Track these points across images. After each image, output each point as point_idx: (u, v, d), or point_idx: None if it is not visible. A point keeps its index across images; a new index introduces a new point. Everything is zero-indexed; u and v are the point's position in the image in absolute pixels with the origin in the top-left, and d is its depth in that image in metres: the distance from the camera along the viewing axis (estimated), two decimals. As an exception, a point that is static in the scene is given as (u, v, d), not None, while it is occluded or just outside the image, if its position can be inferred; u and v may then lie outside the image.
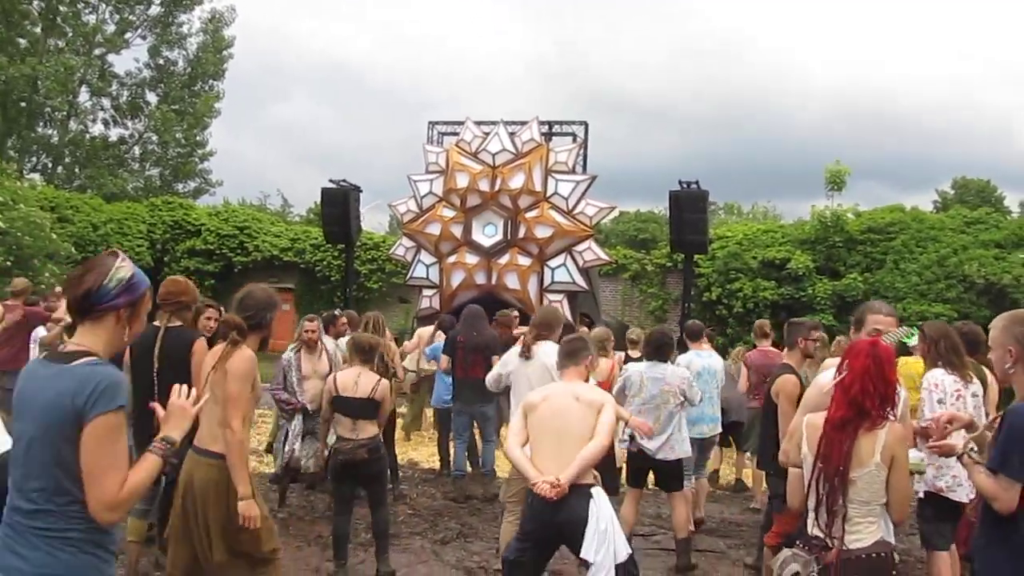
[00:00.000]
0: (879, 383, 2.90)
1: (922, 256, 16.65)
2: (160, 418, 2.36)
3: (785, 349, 5.28)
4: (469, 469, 7.58)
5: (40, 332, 7.99)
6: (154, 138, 28.84)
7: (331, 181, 16.44)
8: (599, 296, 15.91)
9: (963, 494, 4.37)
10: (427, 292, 14.40)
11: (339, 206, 16.06)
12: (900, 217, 17.98)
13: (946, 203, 30.29)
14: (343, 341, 6.94)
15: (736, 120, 74.57)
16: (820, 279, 17.09)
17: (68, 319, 8.22)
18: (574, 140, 14.88)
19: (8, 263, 13.94)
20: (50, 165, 28.09)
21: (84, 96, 28.48)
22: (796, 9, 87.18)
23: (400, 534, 6.15)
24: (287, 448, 6.24)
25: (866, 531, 2.89)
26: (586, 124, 15.23)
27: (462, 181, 13.75)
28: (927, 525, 4.54)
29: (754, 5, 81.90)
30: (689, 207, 14.11)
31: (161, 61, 28.85)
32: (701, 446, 6.76)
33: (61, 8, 26.98)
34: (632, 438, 5.71)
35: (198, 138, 29.29)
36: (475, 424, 7.51)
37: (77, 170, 28.14)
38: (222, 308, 5.29)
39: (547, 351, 5.17)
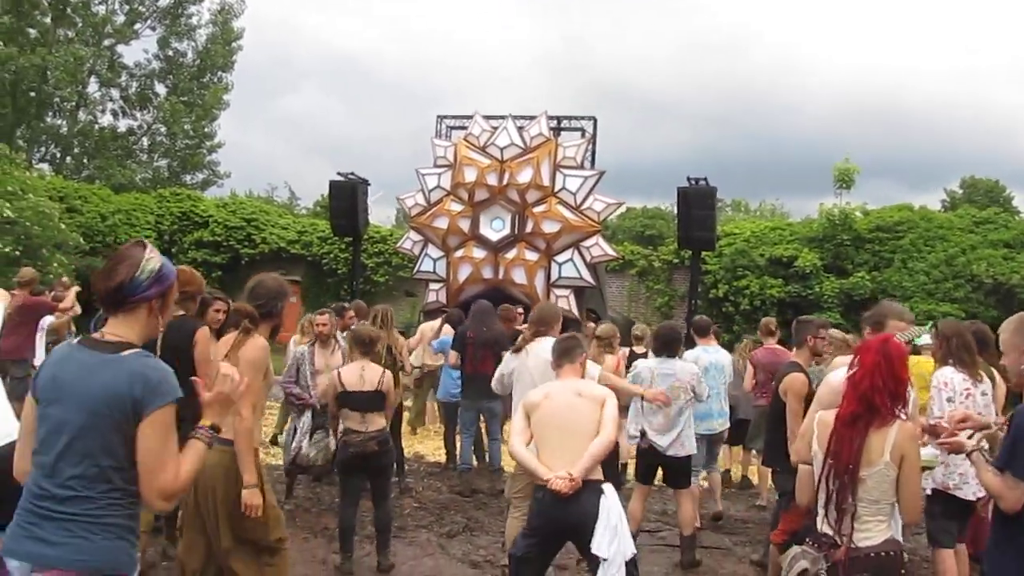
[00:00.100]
0: (889, 379, 2.88)
1: (930, 255, 16.61)
2: (203, 402, 2.35)
3: (793, 347, 5.27)
4: (475, 463, 7.60)
5: (47, 321, 8.03)
6: (163, 129, 28.85)
7: (339, 174, 16.42)
8: (606, 292, 15.89)
9: (969, 491, 4.39)
10: (434, 286, 14.42)
11: (347, 199, 16.04)
12: (908, 216, 17.93)
13: (954, 202, 30.12)
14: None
15: (743, 116, 74.44)
16: (827, 277, 17.06)
17: (78, 309, 8.34)
18: (583, 135, 14.84)
19: (17, 253, 14.01)
20: (59, 155, 28.13)
21: (93, 87, 28.60)
22: (803, 4, 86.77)
23: (406, 527, 6.17)
24: (294, 444, 6.20)
25: (875, 529, 2.88)
26: (595, 120, 15.17)
27: (470, 175, 13.73)
28: (934, 522, 4.54)
29: (761, 0, 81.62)
30: (697, 203, 14.06)
31: (170, 52, 28.84)
32: (710, 441, 6.77)
33: (71, -1, 27.06)
34: (643, 434, 5.71)
35: (206, 130, 29.31)
36: (482, 418, 7.53)
37: (86, 161, 28.18)
38: (229, 300, 5.30)
39: (547, 347, 5.15)
